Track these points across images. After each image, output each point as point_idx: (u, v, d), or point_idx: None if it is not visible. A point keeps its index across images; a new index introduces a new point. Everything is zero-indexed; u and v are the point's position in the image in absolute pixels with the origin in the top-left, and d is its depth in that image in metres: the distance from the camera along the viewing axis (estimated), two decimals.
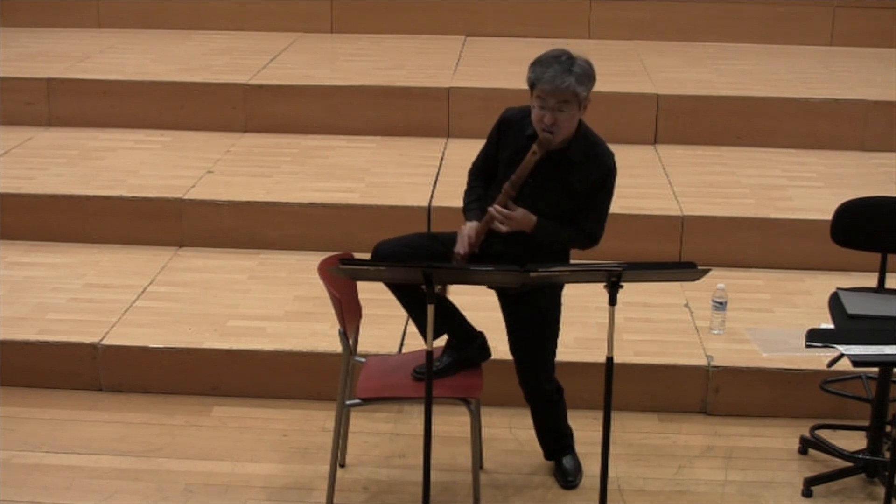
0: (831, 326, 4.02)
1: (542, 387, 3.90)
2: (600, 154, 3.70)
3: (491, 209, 3.64)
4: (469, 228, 3.69)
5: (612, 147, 3.76)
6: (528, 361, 3.88)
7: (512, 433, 4.33)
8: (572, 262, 3.85)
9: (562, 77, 3.53)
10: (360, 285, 3.98)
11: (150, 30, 8.22)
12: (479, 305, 4.03)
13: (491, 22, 8.18)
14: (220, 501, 3.91)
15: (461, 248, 3.67)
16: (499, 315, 3.91)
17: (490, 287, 3.83)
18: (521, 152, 3.64)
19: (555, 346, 3.90)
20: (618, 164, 3.75)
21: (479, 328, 3.92)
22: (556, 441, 4.06)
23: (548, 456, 4.10)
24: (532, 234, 3.67)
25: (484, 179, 3.86)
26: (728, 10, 8.06)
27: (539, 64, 3.60)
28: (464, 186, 3.90)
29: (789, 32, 8.06)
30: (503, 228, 3.63)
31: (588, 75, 3.60)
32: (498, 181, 3.74)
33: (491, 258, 3.70)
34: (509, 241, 3.70)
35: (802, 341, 3.43)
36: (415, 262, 3.65)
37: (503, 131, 3.78)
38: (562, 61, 3.57)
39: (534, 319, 3.83)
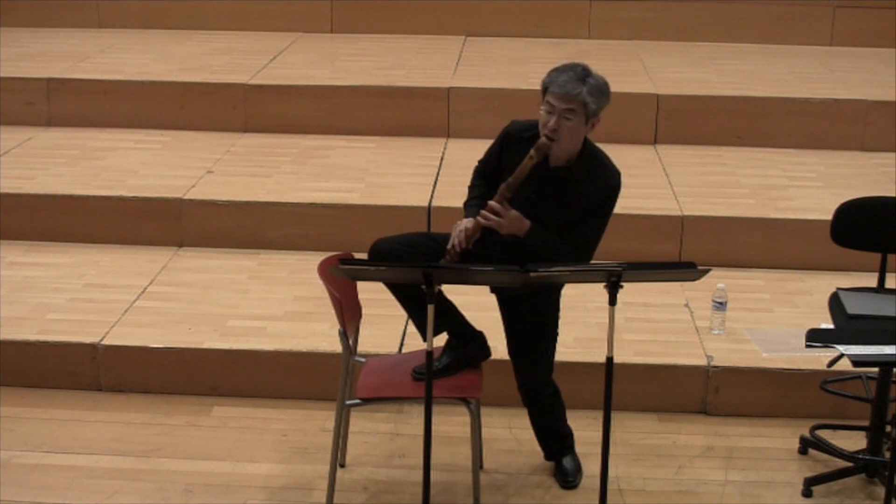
0: (831, 326, 4.02)
1: (539, 390, 3.90)
2: (605, 174, 3.69)
3: (485, 209, 3.63)
4: (465, 223, 3.68)
5: (613, 147, 3.76)
6: (525, 364, 3.87)
7: (512, 433, 4.33)
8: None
9: (573, 84, 3.54)
10: (360, 285, 3.98)
11: (150, 30, 8.22)
12: (479, 305, 4.03)
13: (491, 22, 8.18)
14: (220, 501, 3.91)
15: (456, 243, 3.64)
16: (499, 315, 3.90)
17: (490, 290, 3.83)
18: None
19: (553, 349, 3.90)
20: (618, 165, 3.73)
21: (479, 328, 3.91)
22: (555, 442, 4.06)
23: (548, 456, 4.10)
24: (523, 238, 3.66)
25: (486, 180, 3.85)
26: (728, 10, 8.07)
27: (555, 70, 3.62)
28: (464, 186, 3.90)
29: (789, 32, 8.06)
30: (493, 225, 3.60)
31: (601, 90, 3.58)
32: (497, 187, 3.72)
33: (487, 261, 3.68)
34: (506, 246, 3.69)
35: (802, 341, 3.43)
36: (413, 260, 3.65)
37: (505, 146, 3.76)
38: (577, 71, 3.58)
39: (532, 322, 3.83)
